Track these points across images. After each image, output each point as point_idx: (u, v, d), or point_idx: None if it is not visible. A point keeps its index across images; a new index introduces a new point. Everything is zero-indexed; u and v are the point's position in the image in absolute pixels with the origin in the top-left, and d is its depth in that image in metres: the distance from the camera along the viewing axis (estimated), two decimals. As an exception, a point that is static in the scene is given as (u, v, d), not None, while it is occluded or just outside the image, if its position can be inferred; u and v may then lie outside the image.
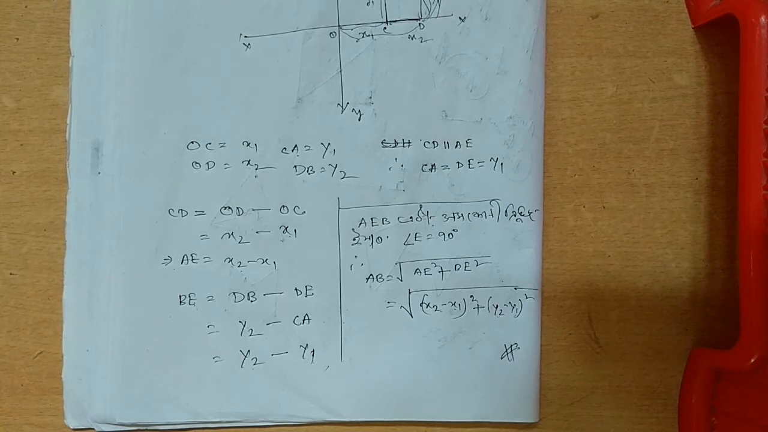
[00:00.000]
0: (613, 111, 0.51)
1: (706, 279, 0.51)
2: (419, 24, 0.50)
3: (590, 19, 0.51)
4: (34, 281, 0.51)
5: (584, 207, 0.51)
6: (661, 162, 0.51)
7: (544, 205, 0.51)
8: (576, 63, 0.51)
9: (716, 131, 0.51)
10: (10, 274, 0.51)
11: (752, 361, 0.45)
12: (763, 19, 0.45)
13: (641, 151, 0.51)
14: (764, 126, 0.45)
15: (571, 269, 0.51)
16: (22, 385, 0.51)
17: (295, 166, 0.50)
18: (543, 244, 0.51)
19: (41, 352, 0.51)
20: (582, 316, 0.51)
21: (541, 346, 0.51)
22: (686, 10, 0.51)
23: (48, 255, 0.51)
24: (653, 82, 0.51)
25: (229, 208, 0.50)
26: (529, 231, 0.50)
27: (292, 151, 0.50)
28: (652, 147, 0.51)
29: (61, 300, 0.50)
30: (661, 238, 0.51)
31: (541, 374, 0.51)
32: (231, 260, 0.50)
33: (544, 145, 0.51)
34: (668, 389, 0.51)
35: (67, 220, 0.50)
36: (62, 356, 0.50)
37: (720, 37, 0.51)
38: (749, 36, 0.45)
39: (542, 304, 0.51)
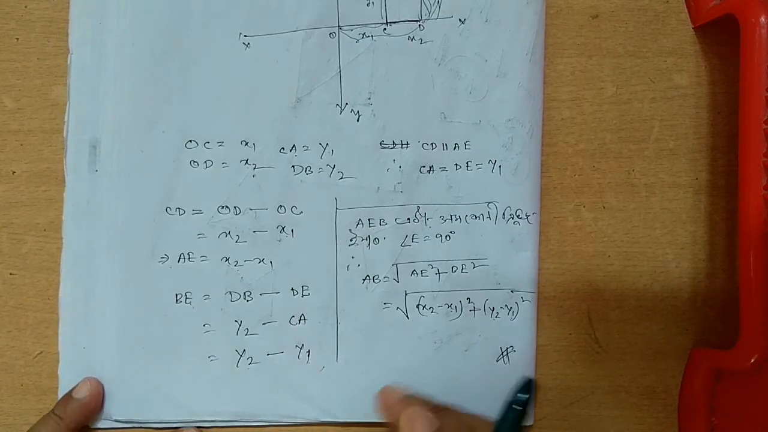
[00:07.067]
0: (613, 111, 0.51)
1: (706, 279, 0.51)
2: (419, 25, 0.50)
3: (590, 19, 0.51)
4: (34, 281, 0.51)
5: (584, 207, 0.51)
6: (661, 162, 0.51)
7: (544, 205, 0.51)
8: (576, 63, 0.51)
9: (716, 131, 0.51)
10: (10, 274, 0.51)
11: (752, 361, 0.45)
12: (763, 19, 0.45)
13: (641, 151, 0.51)
14: (764, 126, 0.45)
15: (571, 269, 0.51)
16: (22, 385, 0.51)
17: (293, 166, 0.50)
18: (543, 244, 0.51)
19: (41, 352, 0.51)
20: (582, 316, 0.51)
21: (541, 346, 0.51)
22: (686, 10, 0.51)
23: (48, 255, 0.51)
24: (653, 82, 0.51)
25: (227, 207, 0.50)
26: (527, 234, 0.50)
27: (291, 151, 0.50)
28: (652, 147, 0.51)
29: (61, 300, 0.50)
30: (661, 238, 0.51)
31: (540, 374, 0.51)
32: (228, 259, 0.50)
33: (544, 145, 0.51)
34: (668, 389, 0.51)
35: (64, 218, 0.50)
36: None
37: (720, 37, 0.51)
38: (749, 36, 0.45)
39: (542, 305, 0.51)
